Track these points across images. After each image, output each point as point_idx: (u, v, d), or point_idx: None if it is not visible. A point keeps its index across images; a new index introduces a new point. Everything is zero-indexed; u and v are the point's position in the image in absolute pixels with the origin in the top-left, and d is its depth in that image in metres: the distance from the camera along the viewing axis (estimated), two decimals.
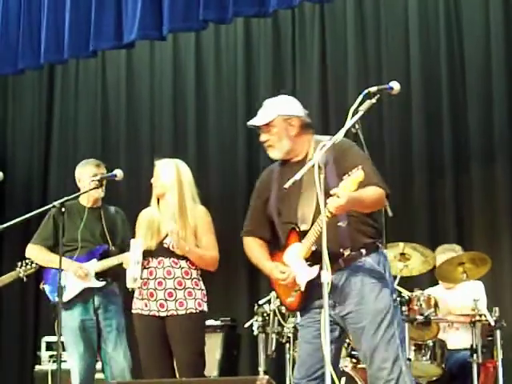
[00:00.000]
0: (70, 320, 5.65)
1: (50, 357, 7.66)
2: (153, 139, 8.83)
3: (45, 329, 8.02)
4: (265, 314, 6.06)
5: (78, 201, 5.84)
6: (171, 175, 5.17)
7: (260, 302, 6.12)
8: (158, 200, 5.22)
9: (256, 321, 6.07)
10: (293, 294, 4.12)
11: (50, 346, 7.75)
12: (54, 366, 7.30)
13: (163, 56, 8.89)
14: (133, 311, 5.19)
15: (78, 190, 5.76)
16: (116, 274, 5.77)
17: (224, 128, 8.48)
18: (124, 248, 5.59)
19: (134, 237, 5.28)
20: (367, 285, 4.06)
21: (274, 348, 6.07)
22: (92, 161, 6.00)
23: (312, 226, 3.97)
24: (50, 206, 5.25)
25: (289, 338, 6.05)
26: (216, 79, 8.61)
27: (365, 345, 4.02)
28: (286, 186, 3.80)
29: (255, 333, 6.11)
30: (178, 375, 5.06)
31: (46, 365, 7.67)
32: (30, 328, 8.71)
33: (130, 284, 5.08)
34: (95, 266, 5.65)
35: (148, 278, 5.10)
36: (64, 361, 7.19)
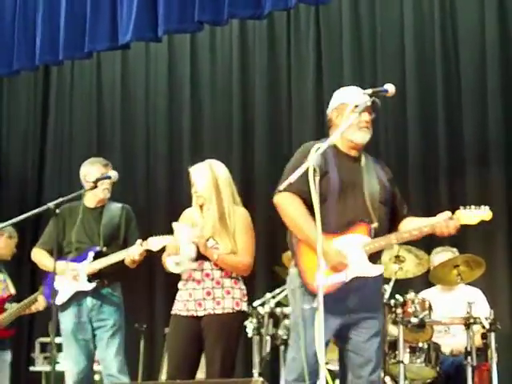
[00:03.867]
0: (64, 323, 5.70)
1: (44, 358, 7.65)
2: (148, 140, 8.83)
3: (39, 330, 8.01)
4: (259, 316, 6.05)
5: (82, 202, 5.86)
6: (207, 183, 5.10)
7: (254, 304, 6.11)
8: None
9: (250, 323, 6.06)
10: (330, 278, 4.06)
11: (44, 348, 7.74)
12: (48, 368, 7.31)
13: (158, 57, 8.89)
14: (171, 312, 5.15)
15: (76, 189, 5.61)
16: (115, 277, 5.72)
17: (219, 128, 8.48)
18: (127, 246, 5.57)
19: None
20: (379, 292, 4.18)
21: (268, 350, 6.06)
22: (100, 160, 5.95)
23: (377, 223, 4.15)
24: (45, 207, 5.21)
25: (283, 340, 6.05)
26: (211, 81, 8.61)
27: (369, 352, 4.16)
28: (281, 188, 3.79)
29: (250, 335, 6.10)
30: (206, 373, 5.02)
31: (40, 366, 7.67)
32: (25, 329, 8.69)
33: (182, 266, 4.95)
34: (86, 268, 5.63)
35: (187, 280, 5.07)
36: (58, 362, 7.22)
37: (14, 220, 5.33)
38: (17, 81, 9.11)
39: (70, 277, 5.63)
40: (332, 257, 4.05)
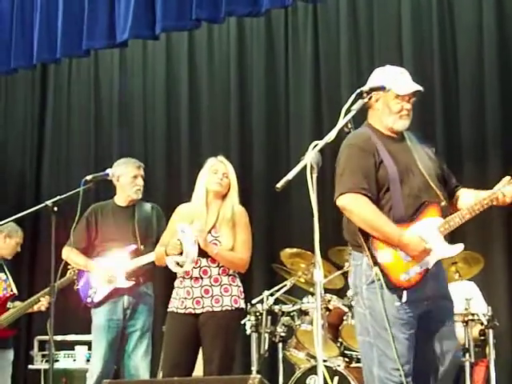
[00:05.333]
0: (97, 319, 5.75)
1: (43, 356, 7.65)
2: (146, 138, 8.82)
3: (37, 328, 8.01)
4: (257, 314, 6.05)
5: (112, 200, 5.96)
6: (234, 175, 5.20)
7: (253, 302, 6.11)
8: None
9: (249, 320, 6.06)
10: (413, 269, 3.96)
11: (42, 346, 7.74)
12: (47, 366, 7.31)
13: (156, 55, 8.88)
14: (168, 310, 5.16)
15: (75, 187, 5.43)
16: (149, 274, 5.82)
17: (217, 127, 8.47)
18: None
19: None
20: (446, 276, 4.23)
21: (266, 347, 6.06)
22: (134, 161, 6.03)
23: (444, 200, 4.04)
24: (43, 205, 5.23)
25: (281, 337, 6.06)
26: (209, 78, 8.60)
27: (453, 334, 4.12)
28: (279, 185, 3.73)
29: (248, 332, 6.10)
30: (204, 371, 5.02)
31: (38, 364, 7.67)
32: (23, 327, 8.69)
33: (184, 267, 4.96)
34: (125, 266, 5.68)
35: (184, 277, 5.08)
36: (57, 360, 7.23)
37: (12, 218, 5.35)
38: (15, 80, 9.10)
39: (105, 280, 5.71)
40: (415, 246, 3.93)
